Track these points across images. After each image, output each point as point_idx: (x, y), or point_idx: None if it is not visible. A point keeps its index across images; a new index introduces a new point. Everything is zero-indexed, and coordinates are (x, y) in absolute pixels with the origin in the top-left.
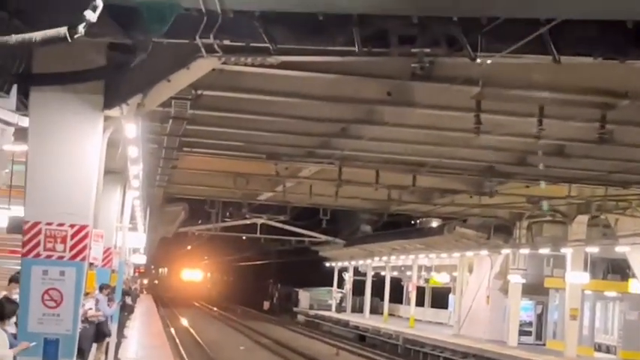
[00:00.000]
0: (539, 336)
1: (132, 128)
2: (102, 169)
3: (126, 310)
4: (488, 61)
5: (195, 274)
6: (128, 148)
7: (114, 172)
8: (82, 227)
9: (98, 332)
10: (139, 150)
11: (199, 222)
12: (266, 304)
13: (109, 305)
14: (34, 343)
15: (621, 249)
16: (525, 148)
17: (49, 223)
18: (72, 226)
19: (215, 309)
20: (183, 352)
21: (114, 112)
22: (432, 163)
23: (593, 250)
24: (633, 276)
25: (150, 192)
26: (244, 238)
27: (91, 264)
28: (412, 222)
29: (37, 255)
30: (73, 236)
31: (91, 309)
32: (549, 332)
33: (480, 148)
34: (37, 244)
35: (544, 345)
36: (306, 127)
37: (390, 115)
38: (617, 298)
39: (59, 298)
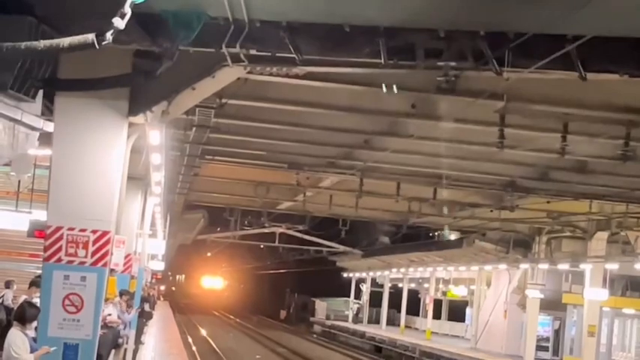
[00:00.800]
0: (556, 352)
1: (156, 135)
2: (125, 176)
3: (144, 317)
4: (514, 77)
5: (212, 282)
6: (151, 155)
7: (136, 179)
8: (104, 233)
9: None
10: (162, 157)
11: (218, 229)
12: (283, 313)
13: (127, 311)
14: (54, 348)
15: None
16: (548, 163)
17: (71, 229)
18: (94, 231)
19: (232, 317)
20: (199, 358)
21: (138, 119)
22: (453, 176)
23: (612, 266)
24: None
25: (170, 199)
26: (262, 246)
27: (112, 270)
28: (430, 234)
29: (59, 260)
30: (95, 242)
31: (110, 314)
32: (566, 348)
33: (502, 162)
34: (59, 249)
35: None
36: (329, 138)
37: (413, 128)
38: (635, 315)
39: (80, 303)
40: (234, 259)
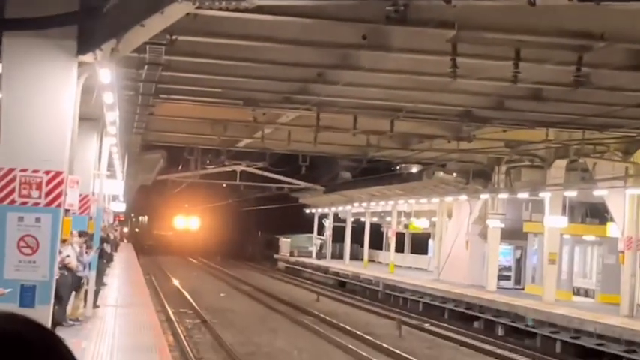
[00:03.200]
0: (518, 280)
1: (106, 74)
2: (77, 116)
3: (105, 258)
4: (462, 4)
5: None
6: (103, 95)
7: (90, 119)
8: (58, 174)
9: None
10: (115, 96)
11: (180, 168)
12: (247, 251)
13: (86, 252)
14: (9, 290)
15: (599, 193)
16: (502, 92)
17: (23, 170)
18: (47, 172)
19: (195, 257)
20: (163, 298)
21: (88, 57)
22: (409, 108)
23: (571, 194)
24: (611, 220)
25: (127, 139)
26: (224, 185)
27: (67, 210)
28: (392, 168)
29: (13, 202)
30: (48, 183)
31: (68, 256)
32: (528, 276)
33: (456, 92)
34: (13, 191)
35: (523, 289)
36: (282, 73)
37: (365, 60)
38: (595, 242)
39: (35, 244)
40: (196, 199)
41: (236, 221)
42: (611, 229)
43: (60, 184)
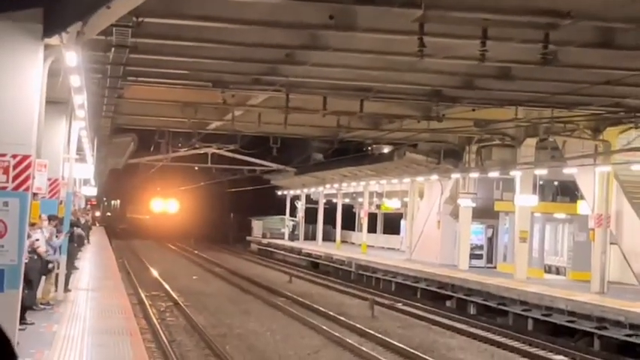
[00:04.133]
0: (489, 259)
1: (73, 57)
2: (43, 99)
3: (75, 242)
4: None
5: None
6: (70, 78)
7: (58, 103)
8: (25, 157)
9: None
10: (82, 79)
11: (151, 151)
12: (219, 234)
13: (57, 237)
14: None
15: (569, 171)
16: (471, 71)
17: None
18: (14, 156)
19: (169, 240)
20: (136, 282)
21: (54, 40)
22: (378, 88)
23: (541, 172)
24: (582, 198)
25: (97, 123)
26: (196, 168)
27: (35, 194)
28: (363, 149)
29: None
30: (15, 166)
31: (38, 240)
32: (500, 255)
33: (425, 72)
34: None
35: (495, 268)
36: (251, 54)
37: (333, 40)
38: (566, 220)
39: (3, 228)
40: (167, 183)
41: (210, 204)
42: (582, 207)
43: (27, 167)
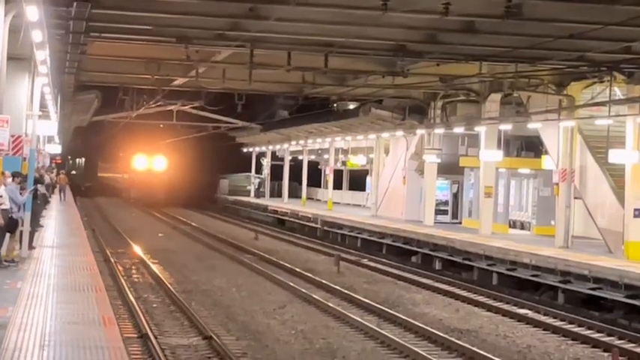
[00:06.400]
0: (455, 215)
1: (34, 11)
2: (4, 55)
3: (39, 199)
4: None
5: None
6: (32, 33)
7: (20, 59)
8: None
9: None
10: (44, 35)
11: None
12: (185, 192)
13: (21, 194)
14: None
15: (534, 126)
16: (434, 25)
17: None
18: None
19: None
20: (101, 239)
21: None
22: (341, 43)
23: (506, 127)
24: (546, 153)
25: (60, 79)
26: (161, 125)
27: None
28: (328, 106)
29: None
30: None
31: (1, 196)
32: (465, 211)
33: (389, 26)
34: None
35: (460, 223)
36: (214, 9)
37: None
38: (530, 175)
39: None
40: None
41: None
42: (546, 162)
43: None
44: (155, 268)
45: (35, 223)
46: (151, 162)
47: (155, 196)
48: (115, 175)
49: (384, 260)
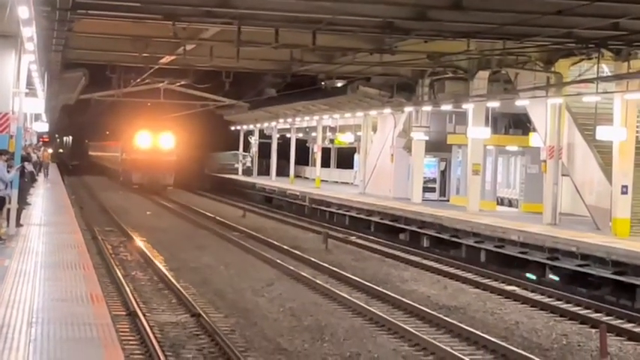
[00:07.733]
0: (443, 192)
1: None
2: None
3: (26, 177)
4: None
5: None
6: (18, 9)
7: (6, 36)
8: None
9: None
10: (30, 11)
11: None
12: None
13: (8, 171)
14: None
15: (521, 103)
16: (422, 2)
17: None
18: None
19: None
20: (89, 217)
21: None
22: (328, 20)
23: (494, 104)
24: (534, 130)
25: (47, 57)
26: (149, 104)
27: None
28: (316, 83)
29: None
30: None
31: None
32: (453, 188)
33: (376, 2)
34: None
35: (448, 201)
36: None
37: None
38: (518, 152)
39: None
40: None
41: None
42: (534, 139)
43: None
44: (143, 245)
45: (22, 201)
46: (156, 140)
47: (162, 180)
48: (108, 154)
49: (372, 238)
